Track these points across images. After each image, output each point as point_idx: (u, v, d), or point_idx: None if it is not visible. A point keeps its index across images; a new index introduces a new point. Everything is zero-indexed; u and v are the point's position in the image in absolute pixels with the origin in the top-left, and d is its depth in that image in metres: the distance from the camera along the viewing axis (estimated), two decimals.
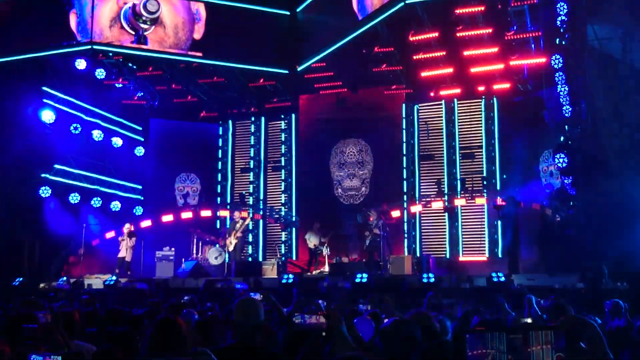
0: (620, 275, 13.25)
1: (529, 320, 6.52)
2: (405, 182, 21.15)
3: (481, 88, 19.43)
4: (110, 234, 20.15)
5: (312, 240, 19.83)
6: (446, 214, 20.14)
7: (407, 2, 16.28)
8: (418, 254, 19.71)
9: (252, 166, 23.26)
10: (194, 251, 20.51)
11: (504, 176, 19.92)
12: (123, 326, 5.92)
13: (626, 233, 14.54)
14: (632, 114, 15.68)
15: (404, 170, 21.20)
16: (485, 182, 19.48)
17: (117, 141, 21.01)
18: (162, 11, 18.89)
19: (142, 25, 18.65)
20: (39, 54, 18.68)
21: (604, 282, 13.21)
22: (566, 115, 15.93)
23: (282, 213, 22.16)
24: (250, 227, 22.08)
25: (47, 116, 18.52)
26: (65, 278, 17.67)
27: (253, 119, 23.47)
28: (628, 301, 8.60)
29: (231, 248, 18.83)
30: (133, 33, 18.66)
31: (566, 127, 16.14)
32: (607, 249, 14.11)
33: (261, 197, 22.92)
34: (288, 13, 20.35)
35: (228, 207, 21.93)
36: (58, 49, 18.70)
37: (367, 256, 18.64)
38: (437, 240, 20.43)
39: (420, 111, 21.39)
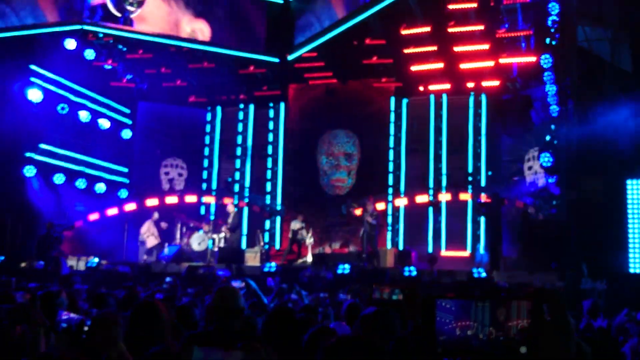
0: (600, 275, 13.41)
1: None
2: (391, 175, 21.22)
3: (470, 84, 19.50)
4: (94, 216, 20.06)
5: (296, 226, 19.79)
6: (430, 209, 20.22)
7: None
8: (401, 248, 19.79)
9: (238, 153, 23.21)
10: (178, 236, 20.47)
11: (489, 173, 20.03)
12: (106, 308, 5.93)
13: (606, 233, 14.70)
14: (617, 115, 15.80)
15: (390, 164, 21.27)
16: (470, 178, 19.58)
17: (104, 123, 20.86)
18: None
19: (128, 7, 18.58)
20: (26, 32, 18.44)
21: (583, 281, 13.37)
22: (553, 114, 16.05)
23: (267, 201, 22.15)
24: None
25: (34, 95, 18.29)
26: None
27: (242, 106, 23.39)
28: (605, 301, 8.73)
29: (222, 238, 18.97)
30: (119, 15, 18.57)
31: (552, 126, 16.26)
32: (588, 249, 14.27)
33: (247, 185, 22.88)
34: (281, 1, 20.26)
35: (213, 193, 21.89)
36: (47, 27, 18.52)
37: (361, 245, 18.56)
38: (420, 235, 20.51)
39: (408, 105, 21.45)
